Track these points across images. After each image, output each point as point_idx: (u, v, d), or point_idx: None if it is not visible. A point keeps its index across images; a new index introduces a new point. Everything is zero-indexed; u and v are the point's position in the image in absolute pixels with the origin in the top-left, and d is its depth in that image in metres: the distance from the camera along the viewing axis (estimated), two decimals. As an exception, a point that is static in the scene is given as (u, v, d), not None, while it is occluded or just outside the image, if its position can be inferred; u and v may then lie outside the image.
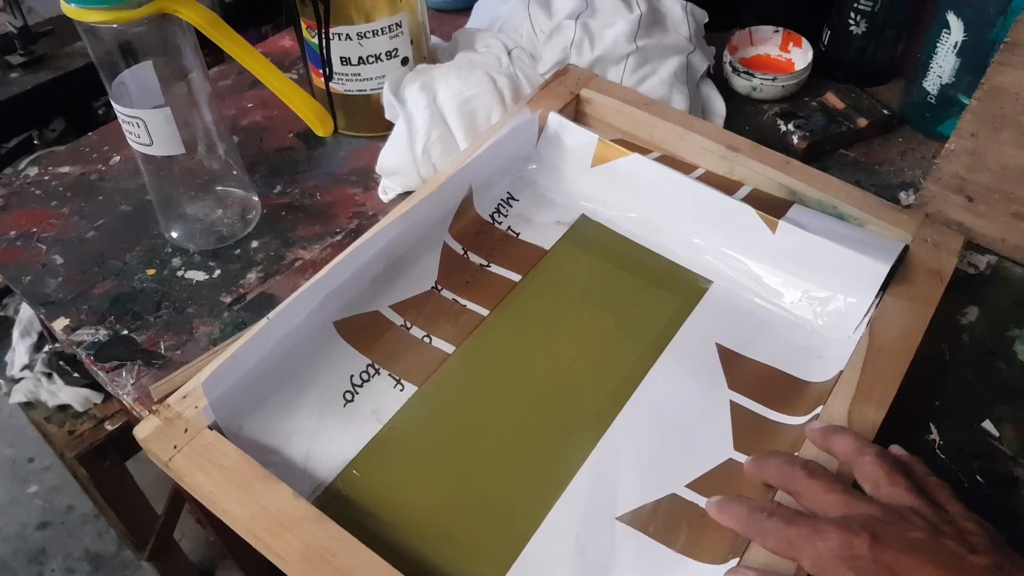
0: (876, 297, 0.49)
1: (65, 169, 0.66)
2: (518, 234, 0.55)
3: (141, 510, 1.01)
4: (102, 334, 0.54)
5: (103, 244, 0.60)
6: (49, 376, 0.89)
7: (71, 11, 0.45)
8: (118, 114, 0.51)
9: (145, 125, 0.51)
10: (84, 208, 0.62)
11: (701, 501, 0.43)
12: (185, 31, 0.50)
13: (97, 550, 1.25)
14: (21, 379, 0.89)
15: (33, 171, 0.66)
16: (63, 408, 0.89)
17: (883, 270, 0.49)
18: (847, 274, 0.50)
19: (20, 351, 0.91)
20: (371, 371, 0.47)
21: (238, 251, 0.59)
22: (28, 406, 0.90)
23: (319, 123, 0.50)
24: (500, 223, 0.56)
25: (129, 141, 0.53)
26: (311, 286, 0.45)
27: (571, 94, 0.60)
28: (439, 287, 0.51)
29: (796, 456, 0.40)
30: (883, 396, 0.45)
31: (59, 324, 0.54)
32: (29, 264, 0.58)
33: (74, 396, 0.88)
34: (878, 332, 0.48)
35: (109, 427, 0.88)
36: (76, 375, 0.89)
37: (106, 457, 0.89)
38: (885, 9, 0.66)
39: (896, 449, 0.41)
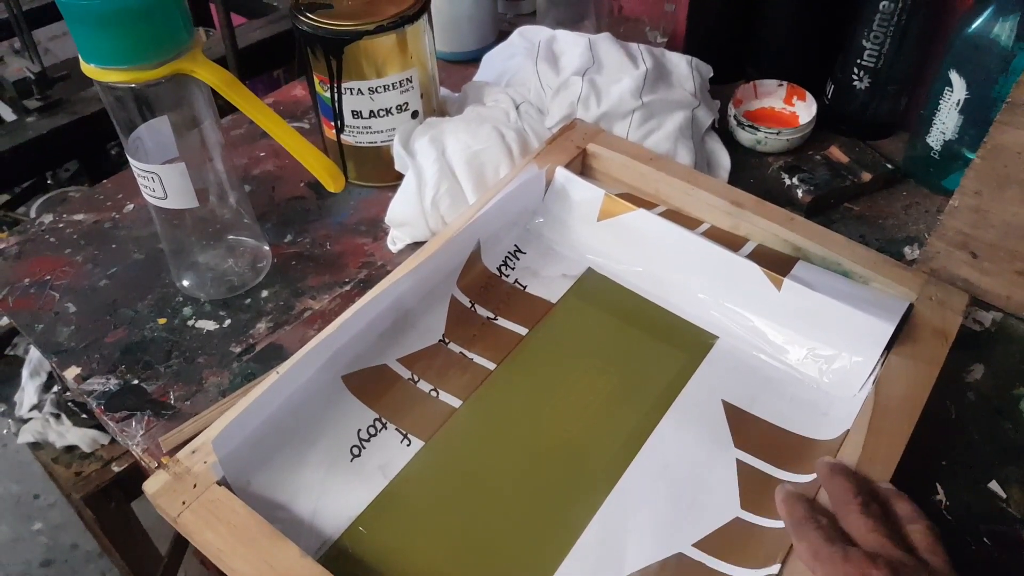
0: (881, 356, 0.49)
1: (79, 217, 0.67)
2: (525, 287, 0.56)
3: (145, 551, 1.01)
4: (112, 383, 0.54)
5: (115, 292, 0.60)
6: (57, 417, 0.89)
7: (90, 71, 0.47)
8: (134, 168, 0.52)
9: (160, 180, 0.52)
10: (97, 256, 0.63)
11: (708, 560, 0.42)
12: (200, 86, 0.51)
13: (104, 586, 1.24)
14: (30, 419, 0.90)
15: (48, 218, 0.67)
16: (70, 449, 0.89)
17: (888, 330, 0.49)
18: (852, 333, 0.50)
19: (29, 391, 0.91)
20: (378, 425, 0.47)
21: (248, 300, 0.59)
22: (36, 446, 0.90)
23: (331, 179, 0.51)
24: (507, 276, 0.56)
25: (144, 194, 0.54)
26: (321, 342, 0.45)
27: (578, 148, 0.61)
28: (446, 340, 0.52)
29: (864, 485, 0.41)
30: (889, 456, 0.44)
31: (71, 373, 0.55)
32: (42, 312, 0.59)
33: (81, 437, 0.88)
34: (884, 391, 0.48)
35: (116, 468, 0.88)
36: (84, 416, 0.89)
37: (112, 498, 0.89)
38: (888, 65, 0.67)
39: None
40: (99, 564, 1.24)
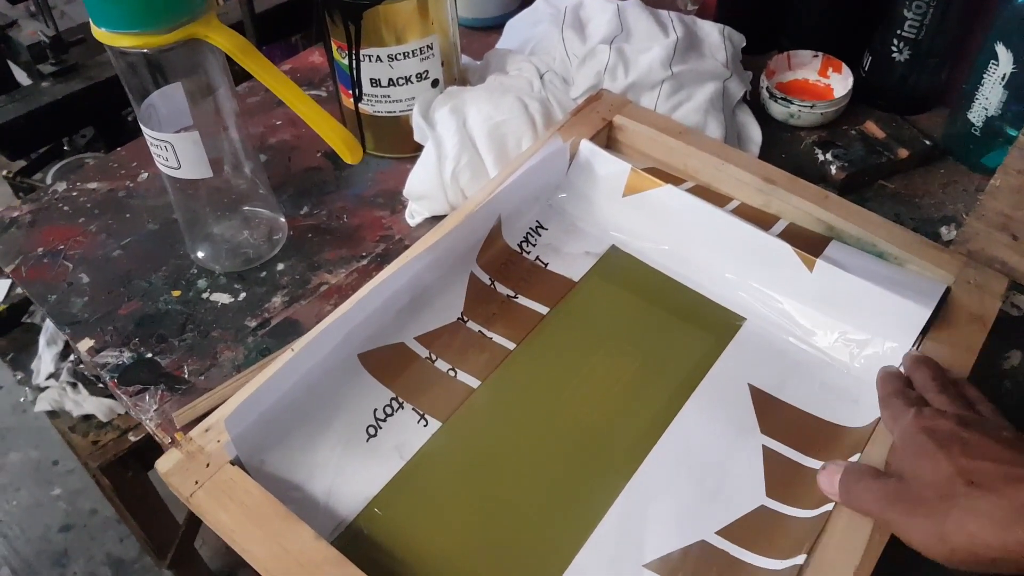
0: (916, 341, 0.47)
1: (93, 185, 0.66)
2: (546, 264, 0.54)
3: (162, 519, 1.01)
4: (126, 356, 0.53)
5: (129, 263, 0.60)
6: (74, 386, 0.89)
7: (101, 35, 0.45)
8: (147, 137, 0.51)
9: (173, 149, 0.50)
10: (111, 226, 0.62)
11: (731, 549, 0.41)
12: (214, 52, 0.49)
13: (119, 555, 1.25)
14: (47, 388, 0.90)
15: (61, 187, 0.66)
16: (87, 418, 0.89)
17: (924, 314, 0.47)
18: (887, 317, 0.48)
19: (46, 359, 0.91)
20: (395, 405, 0.46)
21: (264, 274, 0.58)
22: (53, 415, 0.90)
23: (348, 151, 0.49)
24: (528, 253, 0.54)
25: (157, 164, 0.52)
26: (337, 320, 0.44)
27: (603, 120, 0.59)
28: (465, 318, 0.51)
29: (942, 373, 0.44)
30: (923, 446, 0.43)
31: (84, 345, 0.54)
32: (55, 283, 0.58)
33: (98, 406, 0.88)
34: (918, 379, 0.46)
35: (132, 438, 0.88)
36: (101, 385, 0.89)
37: (128, 467, 0.89)
38: (930, 36, 0.64)
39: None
40: (117, 530, 1.25)
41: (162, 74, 0.49)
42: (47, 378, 0.91)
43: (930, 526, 0.35)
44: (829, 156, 0.63)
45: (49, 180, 1.12)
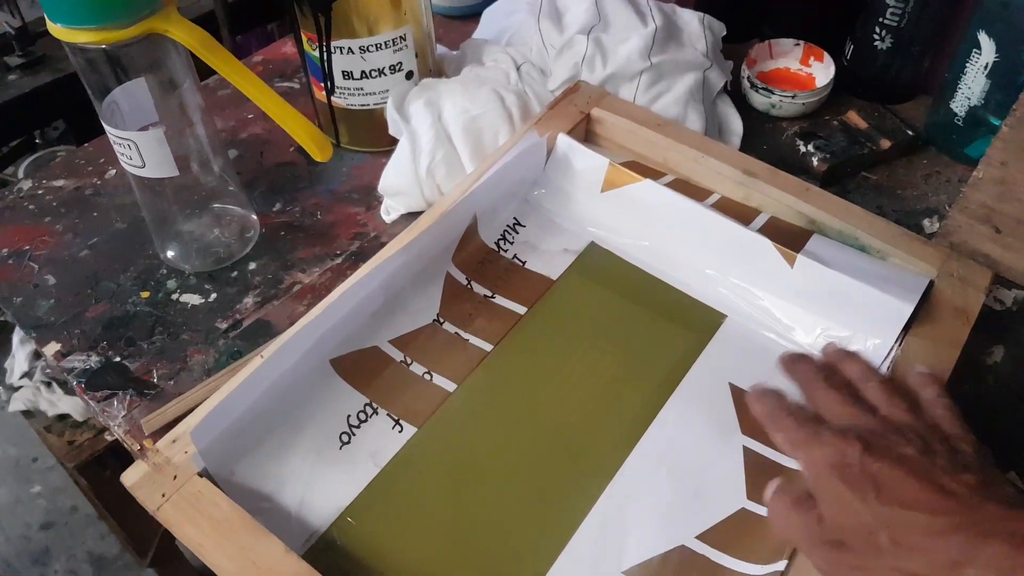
0: (899, 337, 0.47)
1: (60, 183, 0.64)
2: (524, 263, 0.53)
3: (142, 517, 0.99)
4: (94, 360, 0.52)
5: (97, 264, 0.58)
6: (48, 385, 0.88)
7: (57, 31, 0.43)
8: (110, 136, 0.49)
9: (137, 147, 0.49)
10: (78, 225, 0.61)
11: (712, 554, 0.41)
12: (177, 47, 0.48)
13: (100, 552, 1.24)
14: (20, 387, 0.88)
15: (27, 184, 0.64)
16: (63, 417, 0.88)
17: (907, 310, 0.46)
18: (869, 313, 0.47)
19: (20, 358, 0.90)
20: (369, 411, 0.45)
21: (235, 273, 0.57)
22: (28, 414, 0.89)
23: (317, 149, 0.48)
24: (506, 251, 0.53)
25: (121, 162, 0.51)
26: (307, 325, 0.43)
27: (581, 113, 0.57)
28: (441, 320, 0.49)
29: (826, 365, 0.40)
30: (905, 445, 0.42)
31: (50, 349, 0.53)
32: (21, 284, 0.57)
33: (73, 405, 0.87)
34: (899, 376, 0.45)
35: (109, 437, 0.87)
36: (75, 384, 0.87)
37: (106, 467, 0.88)
38: (912, 24, 0.63)
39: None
40: (98, 527, 1.24)
41: (123, 70, 0.47)
42: (21, 377, 0.89)
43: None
44: (811, 147, 0.62)
45: (20, 174, 1.10)
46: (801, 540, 0.35)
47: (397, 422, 0.45)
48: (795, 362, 0.41)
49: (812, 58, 0.69)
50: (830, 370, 0.40)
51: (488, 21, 0.71)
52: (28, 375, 0.89)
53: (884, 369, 0.46)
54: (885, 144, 0.63)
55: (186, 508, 0.38)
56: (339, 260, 0.57)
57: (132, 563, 1.20)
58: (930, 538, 0.31)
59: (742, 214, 0.53)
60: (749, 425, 0.45)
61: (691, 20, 0.64)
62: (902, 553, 0.32)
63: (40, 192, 0.63)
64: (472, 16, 0.76)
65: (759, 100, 0.67)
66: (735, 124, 0.65)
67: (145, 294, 0.56)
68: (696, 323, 0.50)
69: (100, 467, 0.87)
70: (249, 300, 0.55)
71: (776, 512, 0.36)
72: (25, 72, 0.88)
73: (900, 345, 0.47)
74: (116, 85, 0.47)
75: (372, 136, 0.64)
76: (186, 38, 0.44)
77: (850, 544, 0.33)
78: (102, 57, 0.46)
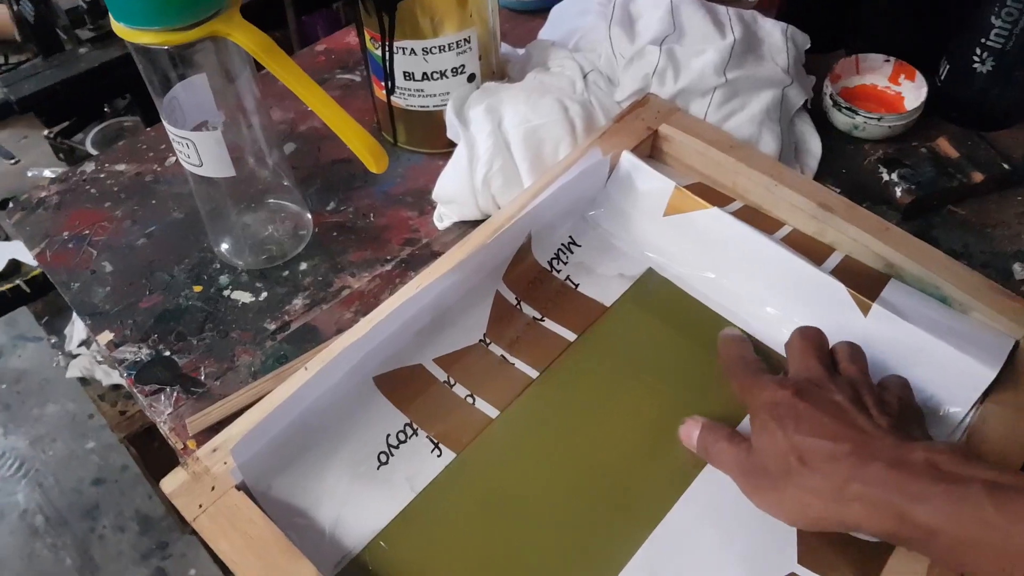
0: (977, 403, 0.43)
1: (121, 167, 0.64)
2: (577, 285, 0.51)
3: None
4: (144, 353, 0.52)
5: (153, 253, 0.58)
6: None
7: (121, 31, 0.43)
8: (169, 133, 0.49)
9: (195, 146, 0.48)
10: (137, 212, 0.61)
11: (754, 616, 0.39)
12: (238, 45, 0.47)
13: (147, 511, 1.28)
14: (78, 355, 0.90)
15: (90, 167, 0.65)
16: (116, 387, 0.90)
17: (989, 375, 0.43)
18: (946, 373, 0.44)
19: (79, 327, 0.92)
20: (408, 431, 0.44)
21: (286, 273, 0.56)
22: (83, 381, 0.91)
23: (373, 160, 0.46)
24: (559, 271, 0.51)
25: (179, 159, 0.51)
26: (353, 344, 0.42)
27: (648, 129, 0.55)
28: (487, 340, 0.48)
29: (809, 329, 0.44)
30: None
31: (104, 338, 0.53)
32: (79, 270, 0.57)
33: (127, 377, 0.88)
34: (975, 445, 0.42)
35: (159, 410, 0.88)
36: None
37: (155, 438, 0.90)
38: (1019, 48, 0.58)
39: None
40: (146, 487, 1.28)
41: (185, 66, 0.47)
42: (79, 345, 0.92)
43: (773, 497, 0.38)
44: (895, 177, 0.59)
45: (88, 143, 1.12)
46: (730, 467, 0.41)
47: (436, 446, 0.44)
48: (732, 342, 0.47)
49: (903, 76, 0.64)
50: (806, 329, 0.44)
51: (556, 20, 0.68)
52: (86, 343, 0.91)
53: (958, 437, 0.43)
54: (977, 177, 0.59)
55: (221, 521, 0.38)
56: (389, 267, 0.56)
57: (176, 525, 1.23)
58: (829, 461, 0.37)
59: (814, 251, 0.50)
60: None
61: (773, 31, 0.60)
62: (806, 472, 0.37)
63: (102, 176, 0.64)
64: (541, 11, 0.74)
65: (841, 120, 0.63)
66: (813, 145, 0.61)
67: (198, 288, 0.56)
68: (755, 364, 0.48)
69: (149, 438, 0.90)
70: (298, 302, 0.54)
71: (710, 444, 0.42)
72: (96, 46, 0.89)
73: (977, 411, 0.43)
74: (177, 82, 0.47)
75: (430, 137, 0.63)
76: (247, 43, 0.43)
77: (769, 468, 0.38)
78: (164, 56, 0.45)
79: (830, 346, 0.44)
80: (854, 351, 0.44)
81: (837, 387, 0.40)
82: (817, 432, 0.38)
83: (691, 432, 0.43)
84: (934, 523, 0.34)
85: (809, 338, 0.44)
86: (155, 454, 0.92)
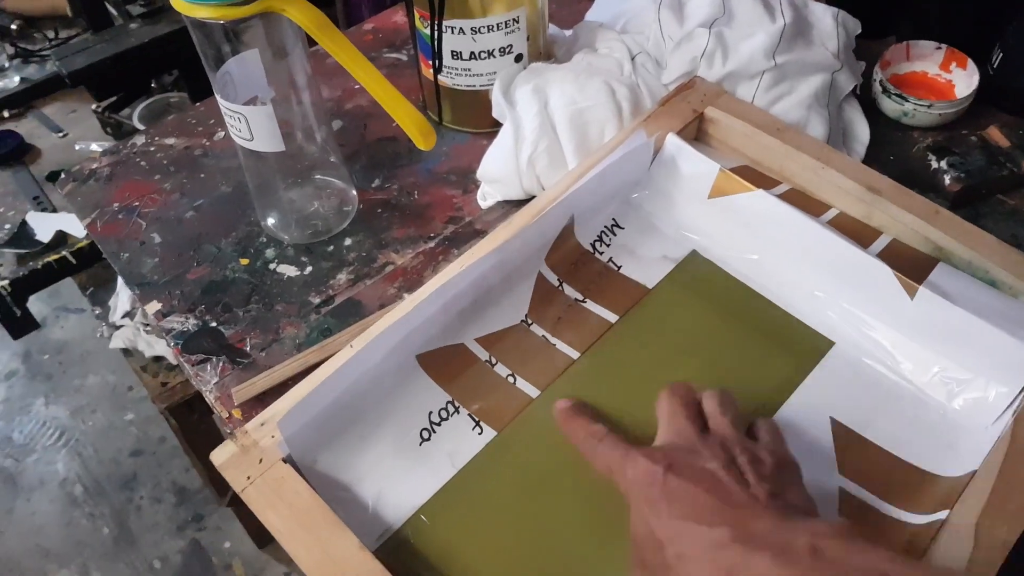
0: (1024, 387, 0.43)
1: (171, 141, 0.66)
2: (619, 267, 0.51)
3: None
4: (191, 323, 0.53)
5: (201, 226, 0.59)
6: (148, 326, 0.92)
7: (178, 4, 0.44)
8: (221, 107, 0.50)
9: (247, 121, 0.49)
10: (186, 185, 0.62)
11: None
12: (291, 21, 0.47)
13: (184, 483, 1.31)
14: (122, 326, 0.92)
15: (140, 140, 0.66)
16: (158, 359, 0.92)
17: (1038, 358, 0.42)
18: (994, 356, 0.43)
19: (123, 298, 0.94)
20: (451, 408, 0.45)
21: (331, 248, 0.57)
22: (126, 352, 0.93)
23: (421, 137, 0.47)
24: (602, 253, 0.52)
25: (231, 133, 0.51)
26: (397, 322, 0.42)
27: (694, 112, 0.54)
28: (529, 321, 0.48)
29: (678, 386, 0.42)
30: (1020, 510, 0.39)
31: (151, 308, 0.55)
32: (128, 240, 0.59)
33: (168, 350, 0.90)
34: (1023, 429, 0.42)
35: (199, 383, 0.90)
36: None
37: (195, 411, 0.92)
38: (1076, 35, 0.57)
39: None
40: (184, 460, 1.31)
41: (239, 41, 0.47)
42: (123, 316, 0.94)
43: None
44: (943, 164, 0.58)
45: (135, 118, 1.15)
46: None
47: (477, 423, 0.45)
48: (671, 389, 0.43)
49: (954, 64, 0.63)
50: (676, 384, 0.42)
51: (604, 2, 0.68)
52: (130, 315, 0.93)
53: (1008, 420, 0.43)
54: (1028, 166, 0.57)
55: (268, 493, 0.39)
56: (432, 244, 0.57)
57: (212, 498, 1.26)
58: (709, 550, 0.34)
59: (861, 234, 0.49)
60: (848, 464, 0.43)
61: (824, 16, 0.59)
62: (683, 565, 0.34)
63: (152, 149, 0.65)
64: (588, -7, 0.73)
65: (890, 107, 0.62)
66: (861, 131, 0.60)
67: (244, 261, 0.57)
68: (799, 348, 0.47)
69: (189, 410, 0.91)
70: (343, 276, 0.55)
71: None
72: (146, 21, 0.90)
73: (1026, 395, 0.43)
74: (231, 56, 0.48)
75: (475, 117, 0.63)
76: (302, 19, 0.43)
77: (648, 561, 0.36)
78: (219, 30, 0.46)
79: (699, 397, 0.42)
80: (723, 399, 0.41)
81: (710, 451, 0.38)
82: (693, 515, 0.35)
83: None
84: None
85: (678, 395, 0.41)
86: (194, 426, 0.94)
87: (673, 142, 0.53)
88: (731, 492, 0.36)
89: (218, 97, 0.49)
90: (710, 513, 0.35)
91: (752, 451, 0.38)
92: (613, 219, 0.53)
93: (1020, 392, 0.43)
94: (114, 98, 1.16)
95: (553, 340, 0.48)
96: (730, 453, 0.38)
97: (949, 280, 0.47)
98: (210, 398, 0.50)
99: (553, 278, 0.50)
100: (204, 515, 1.28)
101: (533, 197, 0.54)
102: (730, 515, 0.35)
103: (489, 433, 0.44)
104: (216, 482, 1.06)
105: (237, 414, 0.48)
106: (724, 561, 0.33)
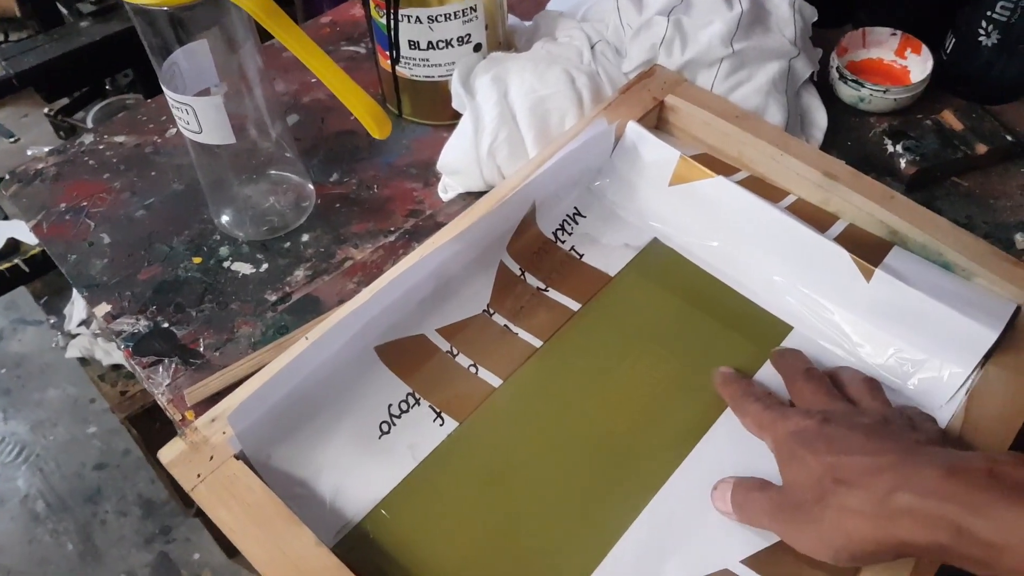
0: (978, 366, 0.43)
1: (121, 139, 0.64)
2: (582, 256, 0.51)
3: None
4: (142, 325, 0.52)
5: (152, 225, 0.58)
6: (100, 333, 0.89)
7: (120, -8, 0.42)
8: (168, 99, 0.48)
9: (195, 112, 0.48)
10: (136, 184, 0.60)
11: (756, 579, 0.38)
12: (240, 8, 0.46)
13: (150, 495, 1.28)
14: (78, 335, 0.90)
15: (89, 139, 0.64)
16: (116, 367, 0.89)
17: (991, 337, 0.43)
18: (948, 337, 0.44)
19: (79, 306, 0.92)
20: (411, 401, 0.44)
21: (288, 244, 0.56)
22: (84, 361, 0.91)
23: (376, 126, 0.46)
24: (563, 242, 0.51)
25: (179, 126, 0.50)
26: (353, 312, 0.42)
27: (655, 100, 0.54)
28: (491, 311, 0.48)
29: (808, 361, 0.43)
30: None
31: (101, 310, 0.53)
32: (76, 242, 0.57)
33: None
34: (976, 406, 0.42)
35: (159, 390, 0.88)
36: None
37: (156, 419, 0.90)
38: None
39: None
40: (149, 471, 1.28)
41: (184, 31, 0.46)
42: (79, 324, 0.91)
43: (811, 531, 0.35)
44: (899, 148, 0.58)
45: (89, 121, 1.12)
46: (763, 515, 0.37)
47: (439, 415, 0.44)
48: (783, 356, 0.44)
49: (909, 50, 0.64)
50: (811, 366, 0.43)
51: (563, -8, 0.68)
52: (86, 323, 0.91)
53: (961, 398, 0.43)
54: (981, 149, 0.58)
55: (220, 491, 0.38)
56: (392, 238, 0.56)
57: (179, 509, 1.23)
58: (869, 475, 0.33)
59: (819, 219, 0.49)
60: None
61: (780, 3, 0.59)
62: (842, 491, 0.33)
63: (101, 147, 0.63)
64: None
65: (847, 92, 0.62)
66: (819, 117, 0.61)
67: (197, 260, 0.55)
68: (759, 333, 0.47)
69: (150, 419, 0.89)
70: (300, 273, 0.54)
71: (741, 499, 0.38)
72: (96, 19, 0.88)
73: (979, 374, 0.43)
74: (177, 47, 0.46)
75: (435, 109, 0.62)
76: (248, 4, 0.42)
77: (803, 499, 0.35)
78: (164, 18, 0.45)
79: (845, 377, 0.42)
80: (872, 385, 0.41)
81: (864, 413, 0.38)
82: (854, 449, 0.34)
83: (724, 495, 0.39)
84: (1000, 539, 0.30)
85: (816, 378, 0.41)
86: (156, 436, 0.92)
87: (634, 130, 0.52)
88: (895, 432, 0.35)
89: (165, 89, 0.48)
90: (874, 447, 0.34)
91: (911, 416, 0.38)
92: (575, 207, 0.52)
93: (972, 371, 0.43)
94: (67, 101, 1.13)
95: (515, 329, 0.47)
96: (885, 417, 0.38)
97: (904, 263, 0.47)
98: (162, 400, 0.49)
99: (515, 267, 0.49)
100: (172, 527, 1.25)
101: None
102: (894, 446, 0.34)
103: (451, 424, 0.43)
104: (183, 492, 1.04)
105: (191, 416, 0.47)
106: (886, 481, 0.32)
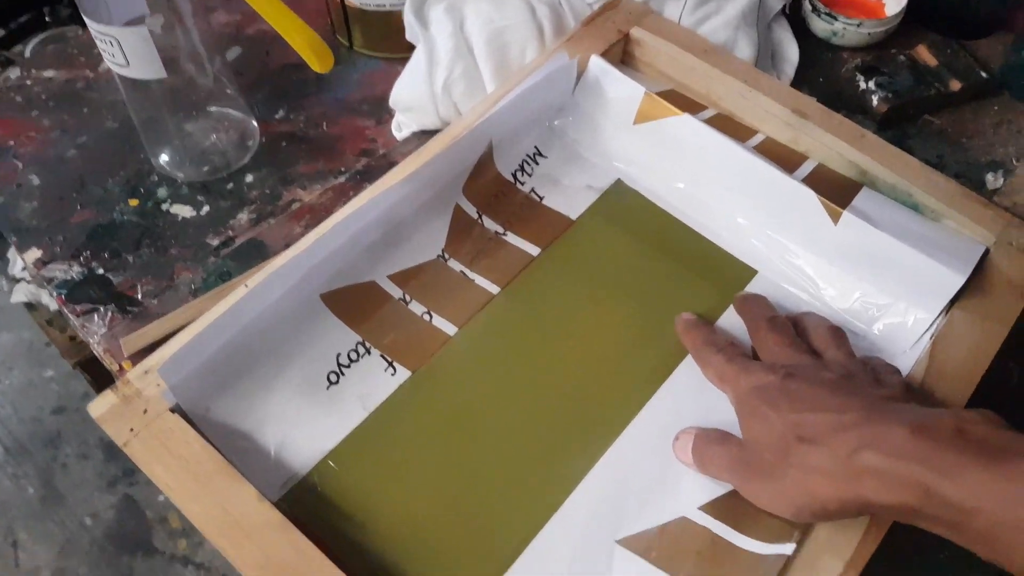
0: (944, 309, 0.42)
1: (50, 74, 0.59)
2: (542, 198, 0.48)
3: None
4: (75, 271, 0.49)
5: (84, 166, 0.54)
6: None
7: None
8: (91, 30, 0.44)
9: (119, 44, 0.44)
10: (67, 121, 0.56)
11: (714, 525, 0.38)
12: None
13: (111, 439, 1.26)
14: (22, 279, 0.86)
15: (15, 74, 0.59)
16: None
17: (958, 281, 0.42)
18: (915, 280, 0.43)
19: (22, 249, 0.87)
20: (361, 350, 0.42)
21: (230, 186, 0.53)
22: (30, 307, 0.87)
23: (316, 58, 0.43)
24: (523, 183, 0.49)
25: (105, 59, 0.46)
26: (294, 258, 0.39)
27: (619, 33, 0.51)
28: (446, 256, 0.46)
29: (772, 308, 0.42)
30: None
31: (30, 256, 0.50)
32: (3, 184, 0.53)
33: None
34: (940, 351, 0.41)
35: (111, 336, 0.85)
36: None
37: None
38: (1004, -50, 0.55)
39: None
40: (109, 416, 1.25)
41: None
42: (23, 269, 0.87)
43: (773, 488, 0.34)
44: (872, 84, 0.56)
45: (28, 53, 1.05)
46: (723, 469, 0.37)
47: (391, 364, 0.42)
48: (746, 302, 0.43)
49: (884, -19, 0.61)
50: (775, 314, 0.41)
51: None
52: (31, 267, 0.87)
53: (926, 342, 0.42)
54: (955, 85, 0.56)
55: (155, 446, 0.36)
56: (342, 179, 0.53)
57: (140, 453, 1.21)
58: (833, 433, 0.32)
59: (787, 159, 0.48)
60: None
61: (752, -71, 0.56)
62: (806, 448, 0.32)
63: (29, 83, 0.59)
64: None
65: (820, 26, 0.60)
66: (790, 52, 0.58)
67: (133, 202, 0.52)
68: (723, 278, 0.46)
69: (100, 364, 0.86)
70: (244, 216, 0.51)
71: (702, 450, 0.38)
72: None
73: (945, 318, 0.42)
74: (99, -31, 0.42)
75: (388, 41, 0.58)
76: (170, -81, 0.38)
77: (764, 456, 0.34)
78: (80, -64, 0.41)
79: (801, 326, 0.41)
80: (836, 333, 0.40)
81: (828, 367, 0.36)
82: (817, 406, 0.33)
83: (685, 446, 0.39)
84: (969, 502, 0.29)
85: (779, 328, 0.40)
86: (111, 379, 0.90)
87: (597, 64, 0.50)
88: (860, 387, 0.34)
89: (86, 19, 0.44)
90: (838, 403, 0.33)
91: (875, 368, 0.37)
92: (535, 147, 0.50)
93: (938, 316, 0.43)
94: (2, 33, 1.06)
95: (472, 275, 0.45)
96: (849, 370, 0.36)
97: (873, 205, 0.46)
98: (98, 350, 0.47)
99: (472, 210, 0.47)
100: (135, 469, 1.22)
101: (449, 125, 0.51)
102: (859, 403, 0.33)
103: (403, 374, 0.42)
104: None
105: (128, 366, 0.45)
106: (850, 442, 0.31)
